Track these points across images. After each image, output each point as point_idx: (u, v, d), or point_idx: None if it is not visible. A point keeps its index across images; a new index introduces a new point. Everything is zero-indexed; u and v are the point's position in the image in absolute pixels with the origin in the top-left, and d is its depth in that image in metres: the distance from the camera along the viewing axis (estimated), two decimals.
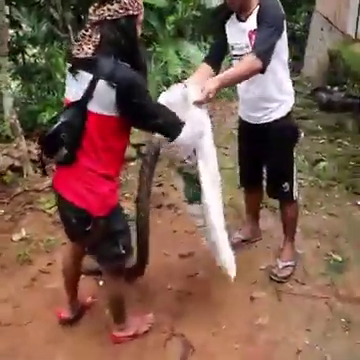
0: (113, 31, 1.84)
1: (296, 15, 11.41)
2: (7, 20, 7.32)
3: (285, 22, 2.49)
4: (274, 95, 2.67)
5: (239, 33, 2.55)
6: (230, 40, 2.65)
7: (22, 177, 4.46)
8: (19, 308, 2.80)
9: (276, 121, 2.73)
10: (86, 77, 1.86)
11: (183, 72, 7.06)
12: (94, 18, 1.87)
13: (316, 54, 8.31)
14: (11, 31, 7.90)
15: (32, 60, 7.88)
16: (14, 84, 8.40)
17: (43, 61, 7.29)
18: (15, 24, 7.15)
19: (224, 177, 4.24)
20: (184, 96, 2.23)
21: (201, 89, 2.22)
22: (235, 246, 3.22)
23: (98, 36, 1.86)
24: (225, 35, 2.67)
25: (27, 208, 4.01)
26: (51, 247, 3.39)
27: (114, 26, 1.84)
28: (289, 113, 2.75)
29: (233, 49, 2.65)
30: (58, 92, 5.87)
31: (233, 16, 2.60)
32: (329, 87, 6.49)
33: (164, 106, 2.09)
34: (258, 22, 2.41)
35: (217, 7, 2.66)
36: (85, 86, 1.86)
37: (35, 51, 8.04)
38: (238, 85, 2.76)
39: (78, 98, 1.88)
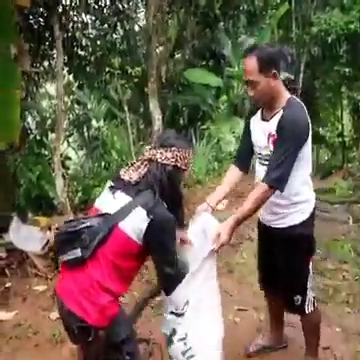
0: (160, 172, 2.00)
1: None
2: (72, 97, 8.09)
3: (310, 132, 2.35)
4: (286, 202, 2.47)
5: (260, 132, 2.47)
6: (253, 137, 2.58)
7: None
8: None
9: (288, 228, 2.51)
10: (125, 198, 1.97)
11: (235, 150, 7.17)
12: (147, 155, 2.05)
13: None
14: (78, 107, 8.67)
15: (96, 132, 8.48)
16: (81, 153, 9.05)
17: (103, 136, 7.82)
18: (80, 103, 7.78)
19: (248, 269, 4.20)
20: (204, 233, 2.35)
21: (217, 233, 2.28)
22: (256, 354, 3.04)
23: (145, 170, 2.02)
24: (250, 132, 2.60)
25: None
26: None
27: (162, 169, 2.01)
28: (305, 221, 2.51)
29: (255, 146, 2.58)
30: (112, 168, 6.22)
31: (258, 113, 2.52)
32: None
33: (179, 261, 2.12)
34: (277, 132, 2.32)
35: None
36: (121, 205, 1.96)
37: (100, 124, 8.72)
38: (256, 178, 2.60)
39: (111, 212, 1.97)
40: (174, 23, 9.85)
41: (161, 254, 2.02)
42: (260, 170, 2.54)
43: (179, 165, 2.05)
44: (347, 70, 10.78)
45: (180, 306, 2.22)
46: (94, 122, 8.32)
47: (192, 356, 2.25)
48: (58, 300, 2.07)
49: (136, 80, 7.48)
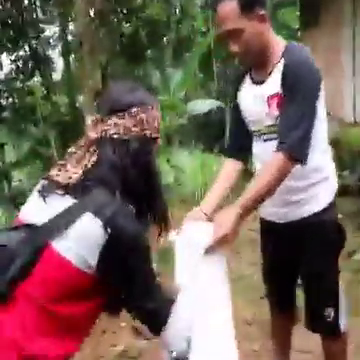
0: (119, 155, 1.24)
1: None
2: None
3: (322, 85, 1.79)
4: (303, 183, 1.87)
5: (254, 101, 1.88)
6: (245, 111, 1.98)
7: None
8: None
9: (312, 216, 1.90)
10: (63, 203, 1.19)
11: (175, 180, 6.71)
12: (93, 134, 1.26)
13: None
14: None
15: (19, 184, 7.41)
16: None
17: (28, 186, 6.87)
18: None
19: (242, 287, 3.51)
20: (194, 241, 1.58)
21: (218, 225, 1.57)
22: None
23: (93, 158, 1.23)
24: (239, 108, 2.02)
25: None
26: None
27: (122, 148, 1.25)
28: (330, 204, 1.91)
29: (250, 123, 1.97)
30: None
31: (247, 78, 1.95)
32: (338, 172, 6.05)
33: (160, 285, 1.33)
34: (284, 88, 1.73)
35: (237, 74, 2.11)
36: (57, 212, 1.18)
37: (22, 176, 7.72)
38: (256, 169, 2.03)
39: (39, 222, 1.19)
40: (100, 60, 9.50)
41: (133, 285, 1.22)
42: (261, 151, 1.93)
43: (148, 133, 1.29)
44: None
45: (180, 345, 1.36)
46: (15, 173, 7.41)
47: None
48: None
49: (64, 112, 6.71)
